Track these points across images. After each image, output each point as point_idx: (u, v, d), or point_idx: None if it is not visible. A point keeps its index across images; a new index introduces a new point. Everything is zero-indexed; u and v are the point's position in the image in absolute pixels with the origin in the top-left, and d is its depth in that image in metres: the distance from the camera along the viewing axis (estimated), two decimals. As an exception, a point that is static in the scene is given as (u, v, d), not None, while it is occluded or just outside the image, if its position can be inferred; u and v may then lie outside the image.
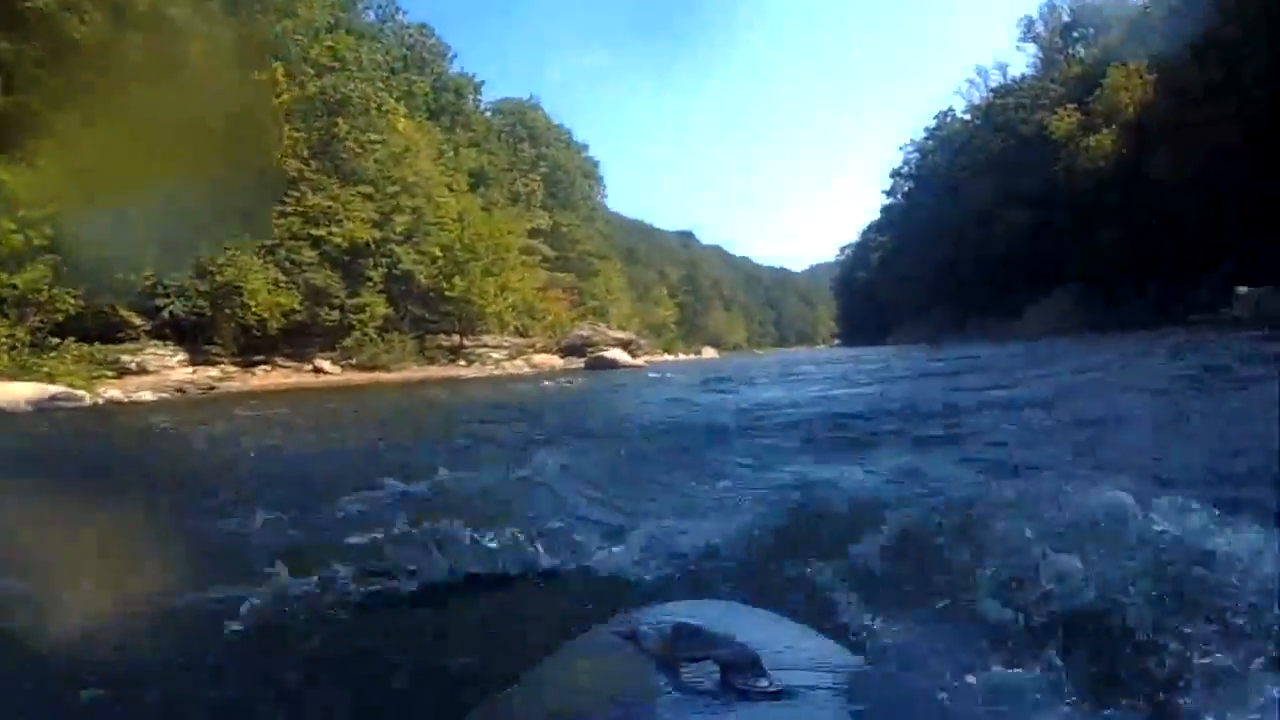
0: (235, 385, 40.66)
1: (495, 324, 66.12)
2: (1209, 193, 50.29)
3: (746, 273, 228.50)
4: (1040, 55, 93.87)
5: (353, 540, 5.02)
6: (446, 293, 59.72)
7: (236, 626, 3.64)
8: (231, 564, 4.65)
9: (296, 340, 50.85)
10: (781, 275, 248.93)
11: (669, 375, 35.18)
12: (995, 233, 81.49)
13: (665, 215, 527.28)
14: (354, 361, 52.77)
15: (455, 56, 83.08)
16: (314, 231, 50.48)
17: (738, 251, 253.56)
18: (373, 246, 53.90)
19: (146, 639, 3.65)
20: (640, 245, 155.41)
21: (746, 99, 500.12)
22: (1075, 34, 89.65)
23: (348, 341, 53.27)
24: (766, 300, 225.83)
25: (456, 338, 62.78)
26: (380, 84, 59.33)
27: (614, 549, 4.60)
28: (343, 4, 61.24)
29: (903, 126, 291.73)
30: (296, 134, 49.32)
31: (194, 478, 9.49)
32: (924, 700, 1.70)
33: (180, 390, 35.41)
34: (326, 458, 11.40)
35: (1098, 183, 65.23)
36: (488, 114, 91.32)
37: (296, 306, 48.66)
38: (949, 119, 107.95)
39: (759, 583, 3.96)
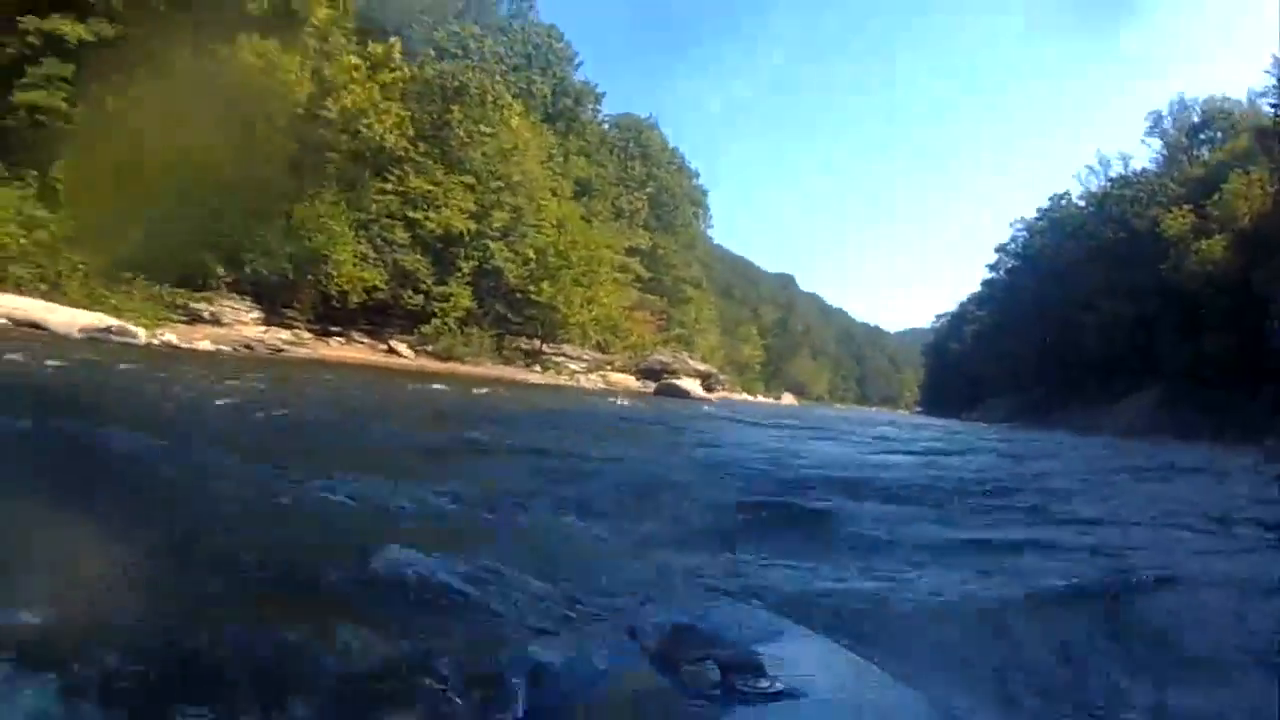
0: (304, 351, 40.35)
1: (577, 335, 65.39)
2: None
3: (840, 325, 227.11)
4: (1164, 153, 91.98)
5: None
6: (533, 296, 59.26)
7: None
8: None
9: (376, 318, 51.20)
10: (874, 334, 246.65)
11: (739, 414, 33.65)
12: (1096, 322, 79.75)
13: (769, 256, 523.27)
14: (430, 348, 52.46)
15: (581, 64, 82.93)
16: (410, 214, 50.48)
17: (834, 303, 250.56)
18: (467, 238, 53.62)
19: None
20: (738, 281, 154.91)
21: (870, 156, 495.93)
22: (1202, 136, 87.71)
23: (427, 328, 52.92)
24: (854, 356, 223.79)
25: (537, 342, 62.10)
26: (499, 78, 59.05)
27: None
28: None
29: (1014, 207, 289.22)
30: (405, 113, 48.92)
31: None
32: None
33: (248, 347, 35.42)
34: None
35: (1205, 285, 63.25)
36: (604, 126, 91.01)
37: (380, 284, 48.64)
38: (1064, 202, 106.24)
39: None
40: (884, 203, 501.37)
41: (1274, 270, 52.02)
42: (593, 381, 58.92)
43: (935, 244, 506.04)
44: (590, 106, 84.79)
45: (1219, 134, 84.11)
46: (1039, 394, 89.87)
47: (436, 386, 24.57)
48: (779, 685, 1.44)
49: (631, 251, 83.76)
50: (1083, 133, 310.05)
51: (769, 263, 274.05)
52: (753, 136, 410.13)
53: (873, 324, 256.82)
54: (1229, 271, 60.83)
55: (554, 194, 65.09)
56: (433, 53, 51.72)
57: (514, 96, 61.78)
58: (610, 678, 1.61)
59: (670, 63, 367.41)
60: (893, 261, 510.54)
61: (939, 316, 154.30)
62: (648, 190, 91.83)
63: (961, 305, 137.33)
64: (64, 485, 4.70)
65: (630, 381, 61.75)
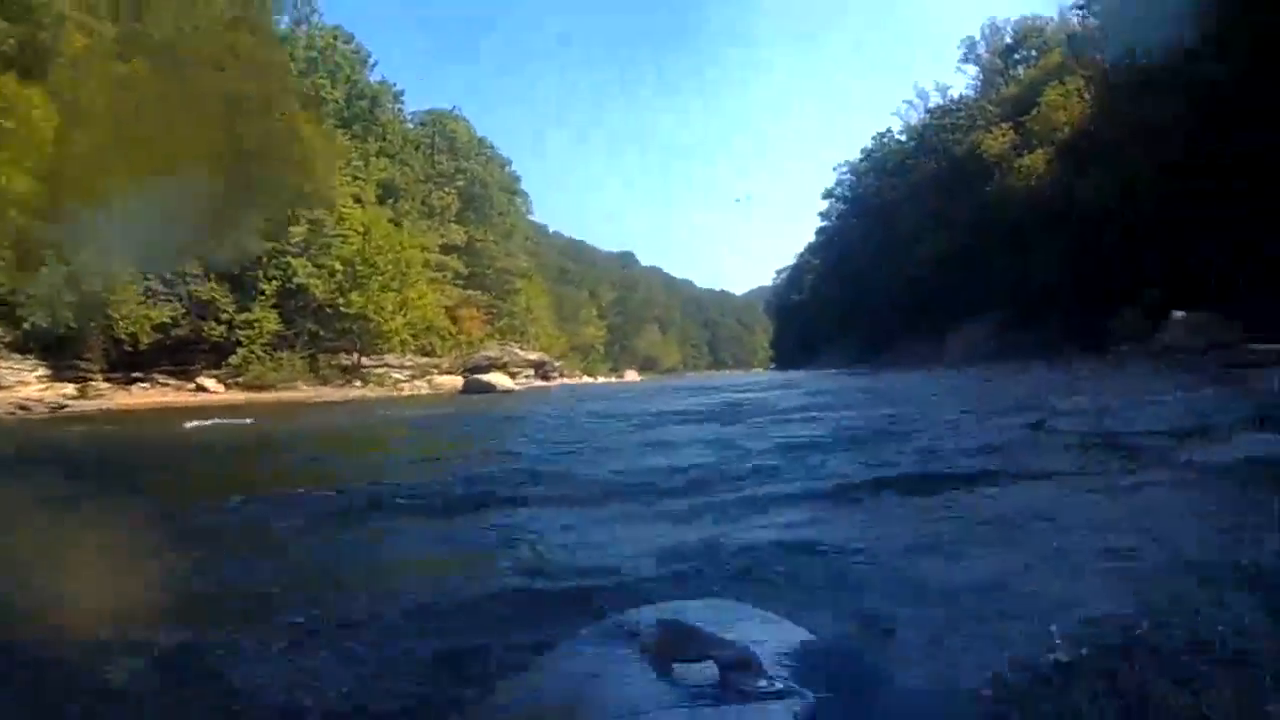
0: (95, 404, 37.97)
1: (398, 343, 63.08)
2: (1134, 219, 48.42)
3: (686, 294, 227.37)
4: (980, 77, 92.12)
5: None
6: (343, 309, 56.86)
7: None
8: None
9: (182, 355, 48.81)
10: (721, 298, 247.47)
11: (540, 403, 32.66)
12: (923, 256, 79.93)
13: (607, 236, 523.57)
14: (241, 380, 50.16)
15: (376, 64, 79.22)
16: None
17: (679, 274, 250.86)
18: (264, 259, 51.08)
19: None
20: (575, 265, 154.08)
21: (700, 122, 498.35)
22: (1017, 56, 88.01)
23: (234, 359, 50.83)
24: (703, 323, 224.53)
25: (357, 356, 59.81)
26: (283, 86, 56.34)
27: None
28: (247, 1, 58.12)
29: (850, 154, 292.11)
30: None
31: None
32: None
33: (23, 408, 32.87)
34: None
35: (1028, 206, 63.14)
36: (409, 124, 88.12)
37: (171, 319, 46.64)
38: (885, 140, 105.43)
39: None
40: (716, 167, 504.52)
41: (1098, 179, 51.78)
42: (416, 388, 57.10)
43: (775, 201, 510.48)
44: (390, 106, 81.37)
45: (1033, 52, 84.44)
46: (877, 334, 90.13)
47: (190, 424, 22.25)
48: (778, 685, 1.38)
49: (448, 248, 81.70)
50: (910, 70, 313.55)
51: (609, 243, 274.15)
52: (578, 118, 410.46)
53: (719, 289, 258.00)
54: (1053, 185, 60.72)
55: (357, 200, 62.57)
56: (202, 68, 48.88)
57: (300, 106, 59.04)
58: (608, 678, 1.57)
59: (479, 51, 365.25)
60: (734, 225, 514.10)
61: (779, 271, 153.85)
62: (458, 184, 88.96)
63: (800, 257, 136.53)
64: None
65: (458, 382, 60.16)
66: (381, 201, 69.60)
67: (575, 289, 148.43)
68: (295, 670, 3.23)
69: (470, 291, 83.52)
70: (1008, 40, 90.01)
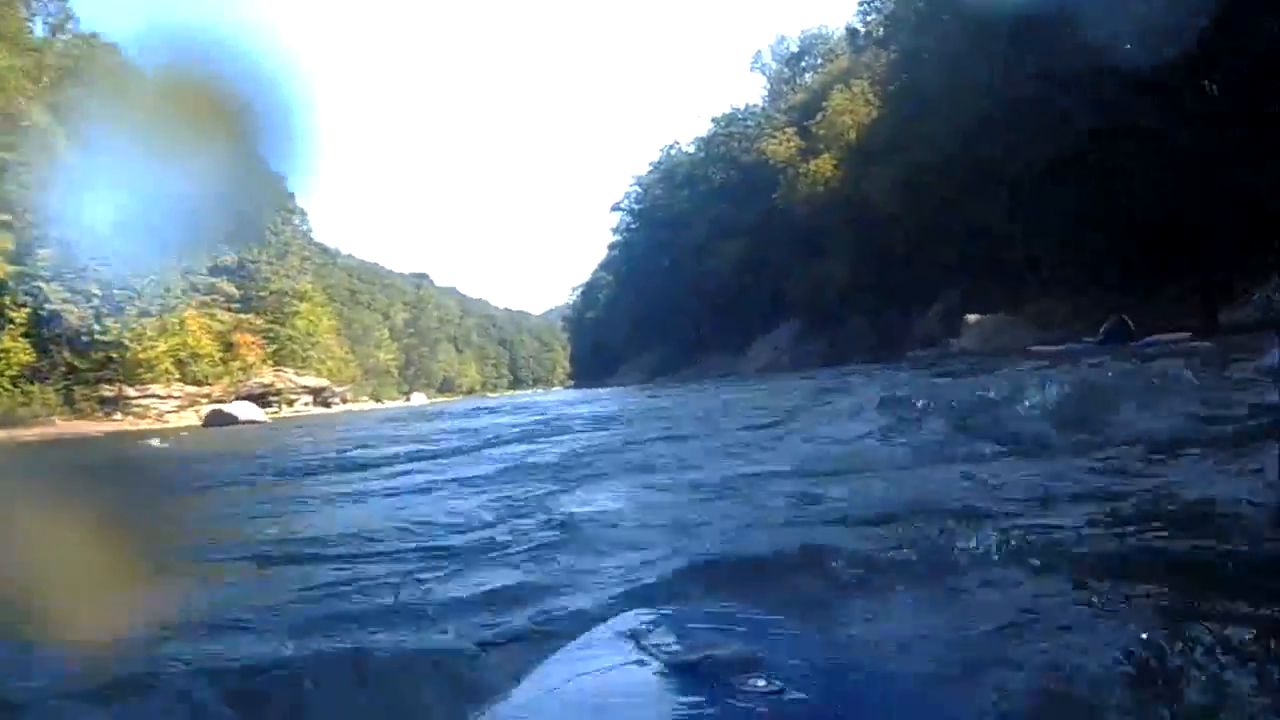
0: None
1: (162, 371, 59.47)
2: (922, 221, 48.54)
3: (482, 314, 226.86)
4: (768, 87, 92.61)
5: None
6: (99, 336, 53.28)
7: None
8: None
9: None
10: (518, 317, 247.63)
11: (288, 434, 30.21)
12: (714, 266, 79.30)
13: (402, 258, 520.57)
14: (-8, 416, 46.40)
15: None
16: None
17: (475, 294, 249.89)
18: (10, 284, 47.72)
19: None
20: (367, 287, 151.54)
21: (495, 140, 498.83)
22: (803, 63, 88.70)
23: (-23, 393, 46.77)
24: (501, 342, 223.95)
25: (122, 387, 56.36)
26: (26, 98, 52.69)
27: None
28: None
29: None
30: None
31: None
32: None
33: None
34: None
35: (818, 211, 63.10)
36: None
37: None
38: (673, 152, 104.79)
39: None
40: (511, 188, 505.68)
41: (882, 179, 51.86)
42: (184, 419, 53.93)
43: (573, 219, 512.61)
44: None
45: (819, 60, 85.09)
46: (677, 347, 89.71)
47: None
48: (778, 685, 1.27)
49: (217, 270, 77.55)
50: (708, 86, 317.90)
51: (403, 264, 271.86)
52: (369, 137, 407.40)
53: (516, 309, 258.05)
54: (841, 188, 60.63)
55: (115, 221, 59.04)
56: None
57: (53, 119, 55.26)
58: (606, 679, 1.43)
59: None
60: (528, 245, 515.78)
61: (574, 289, 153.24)
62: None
63: (594, 274, 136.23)
64: None
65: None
66: (142, 223, 65.47)
67: (367, 311, 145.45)
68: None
69: (244, 316, 79.57)
70: (793, 49, 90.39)
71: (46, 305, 49.87)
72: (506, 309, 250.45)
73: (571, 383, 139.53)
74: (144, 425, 50.28)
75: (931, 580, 3.45)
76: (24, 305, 48.92)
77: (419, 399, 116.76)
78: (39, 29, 65.66)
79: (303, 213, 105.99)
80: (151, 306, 57.39)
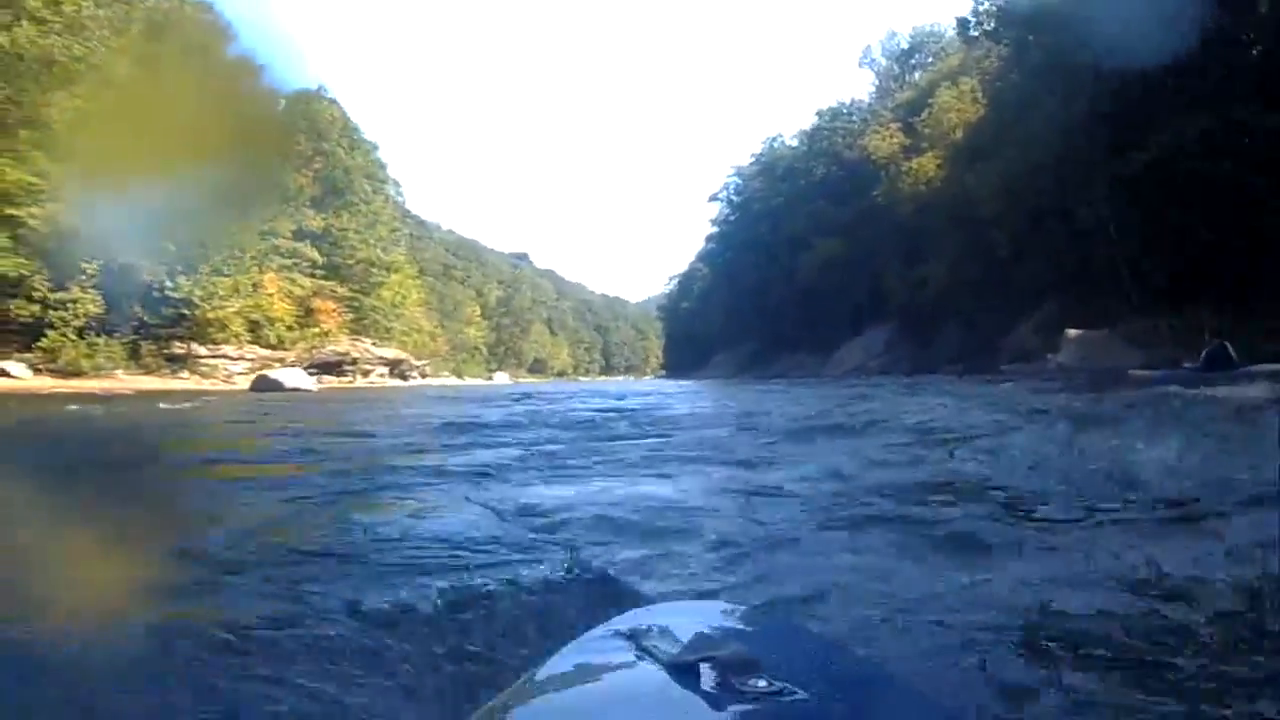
0: None
1: (232, 331, 58.74)
2: (1024, 224, 45.92)
3: (579, 299, 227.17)
4: (877, 83, 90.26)
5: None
6: (169, 292, 52.59)
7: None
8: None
9: None
10: (614, 304, 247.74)
11: (325, 406, 28.91)
12: (810, 262, 77.04)
13: (503, 238, 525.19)
14: (54, 365, 46.26)
15: (236, 36, 73.05)
16: (9, 210, 43.11)
17: (573, 278, 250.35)
18: (82, 233, 46.96)
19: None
20: (463, 263, 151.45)
21: (604, 127, 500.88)
22: (913, 61, 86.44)
23: (44, 342, 46.72)
24: (596, 328, 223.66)
25: (193, 345, 55.63)
26: (108, 48, 51.78)
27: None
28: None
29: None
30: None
31: None
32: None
33: None
34: None
35: (919, 211, 60.72)
36: (279, 101, 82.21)
37: None
38: (776, 145, 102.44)
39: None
40: (617, 176, 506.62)
41: (982, 177, 49.40)
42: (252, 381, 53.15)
43: (674, 209, 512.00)
44: (248, 82, 75.56)
45: (930, 58, 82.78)
46: (764, 343, 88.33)
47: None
48: (779, 685, 1.29)
49: (302, 235, 77.07)
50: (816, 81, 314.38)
51: (504, 244, 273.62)
52: (480, 116, 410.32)
53: (613, 295, 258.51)
54: (944, 189, 57.95)
55: (199, 176, 58.17)
56: (12, 17, 44.48)
57: (137, 72, 54.40)
58: (606, 680, 1.46)
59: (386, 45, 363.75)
60: (630, 233, 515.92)
61: (672, 278, 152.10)
62: (315, 167, 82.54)
63: (691, 264, 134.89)
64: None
65: (300, 378, 56.60)
66: (227, 180, 64.54)
67: (461, 287, 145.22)
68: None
69: (326, 282, 78.73)
70: (904, 45, 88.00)
71: (119, 258, 49.00)
72: (604, 295, 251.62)
73: (663, 372, 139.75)
74: (207, 385, 49.27)
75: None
76: (95, 257, 48.11)
77: (501, 378, 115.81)
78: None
79: (395, 183, 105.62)
80: (225, 266, 56.52)
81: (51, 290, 46.71)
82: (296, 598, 4.01)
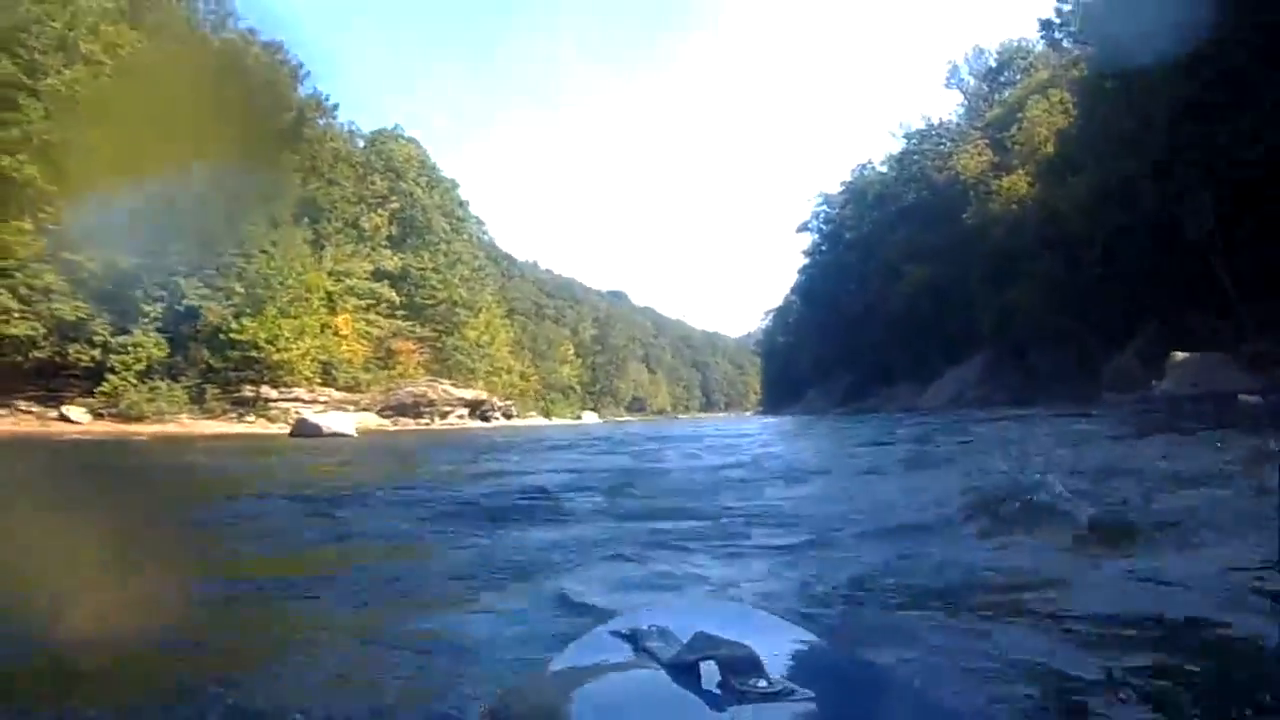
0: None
1: (301, 374, 57.82)
2: (1120, 239, 42.97)
3: (677, 335, 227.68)
4: (965, 103, 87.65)
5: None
6: (234, 335, 51.74)
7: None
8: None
9: (48, 380, 45.01)
10: (714, 339, 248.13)
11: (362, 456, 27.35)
12: (903, 290, 74.54)
13: (600, 277, 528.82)
14: (117, 410, 45.65)
15: (308, 75, 71.65)
16: (68, 255, 42.39)
17: (673, 315, 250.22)
18: (143, 277, 46.18)
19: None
20: (554, 301, 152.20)
21: (700, 162, 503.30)
22: (1002, 78, 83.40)
23: (105, 386, 46.08)
24: (694, 364, 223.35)
25: (265, 388, 54.66)
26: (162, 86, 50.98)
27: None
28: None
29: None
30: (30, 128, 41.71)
31: None
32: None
33: None
34: None
35: (1011, 232, 58.01)
36: (358, 141, 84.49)
37: (26, 339, 42.44)
38: (866, 171, 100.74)
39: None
40: (714, 210, 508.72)
41: (1074, 189, 46.66)
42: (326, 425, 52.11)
43: (772, 242, 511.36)
44: (319, 120, 74.51)
45: (1019, 75, 79.49)
46: (858, 377, 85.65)
47: None
48: (779, 685, 1.31)
49: (380, 275, 76.32)
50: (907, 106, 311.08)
51: (601, 282, 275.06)
52: (574, 157, 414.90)
53: (712, 330, 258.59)
54: (1035, 208, 55.33)
55: (269, 219, 57.16)
56: (58, 62, 43.90)
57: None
58: (607, 680, 1.49)
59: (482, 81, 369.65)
60: (729, 268, 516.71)
61: (768, 312, 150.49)
62: (392, 206, 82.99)
63: (786, 298, 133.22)
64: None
65: (370, 421, 55.37)
66: (299, 221, 63.60)
67: (554, 326, 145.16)
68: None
69: (405, 323, 77.95)
70: (991, 63, 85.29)
71: (183, 300, 48.24)
72: (703, 330, 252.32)
73: (761, 409, 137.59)
74: (258, 429, 49.01)
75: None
76: (159, 300, 47.35)
77: (590, 418, 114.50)
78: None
79: (479, 221, 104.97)
80: (291, 308, 55.47)
81: (113, 334, 46.14)
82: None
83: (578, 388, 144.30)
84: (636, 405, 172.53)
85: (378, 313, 74.33)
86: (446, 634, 4.22)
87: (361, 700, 3.34)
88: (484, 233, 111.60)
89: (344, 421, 45.29)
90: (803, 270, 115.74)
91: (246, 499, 10.90)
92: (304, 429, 43.50)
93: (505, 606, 4.94)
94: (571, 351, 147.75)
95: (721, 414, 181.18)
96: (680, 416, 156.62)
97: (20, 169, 40.77)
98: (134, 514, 8.72)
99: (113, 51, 45.54)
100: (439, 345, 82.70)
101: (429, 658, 3.79)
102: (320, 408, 56.16)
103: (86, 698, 3.10)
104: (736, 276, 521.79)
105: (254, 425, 49.47)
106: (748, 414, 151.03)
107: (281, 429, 47.84)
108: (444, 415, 66.16)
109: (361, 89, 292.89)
